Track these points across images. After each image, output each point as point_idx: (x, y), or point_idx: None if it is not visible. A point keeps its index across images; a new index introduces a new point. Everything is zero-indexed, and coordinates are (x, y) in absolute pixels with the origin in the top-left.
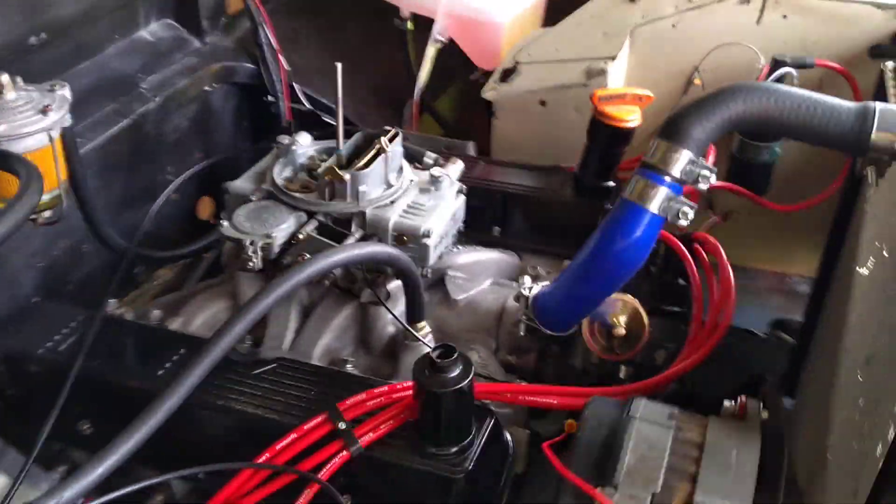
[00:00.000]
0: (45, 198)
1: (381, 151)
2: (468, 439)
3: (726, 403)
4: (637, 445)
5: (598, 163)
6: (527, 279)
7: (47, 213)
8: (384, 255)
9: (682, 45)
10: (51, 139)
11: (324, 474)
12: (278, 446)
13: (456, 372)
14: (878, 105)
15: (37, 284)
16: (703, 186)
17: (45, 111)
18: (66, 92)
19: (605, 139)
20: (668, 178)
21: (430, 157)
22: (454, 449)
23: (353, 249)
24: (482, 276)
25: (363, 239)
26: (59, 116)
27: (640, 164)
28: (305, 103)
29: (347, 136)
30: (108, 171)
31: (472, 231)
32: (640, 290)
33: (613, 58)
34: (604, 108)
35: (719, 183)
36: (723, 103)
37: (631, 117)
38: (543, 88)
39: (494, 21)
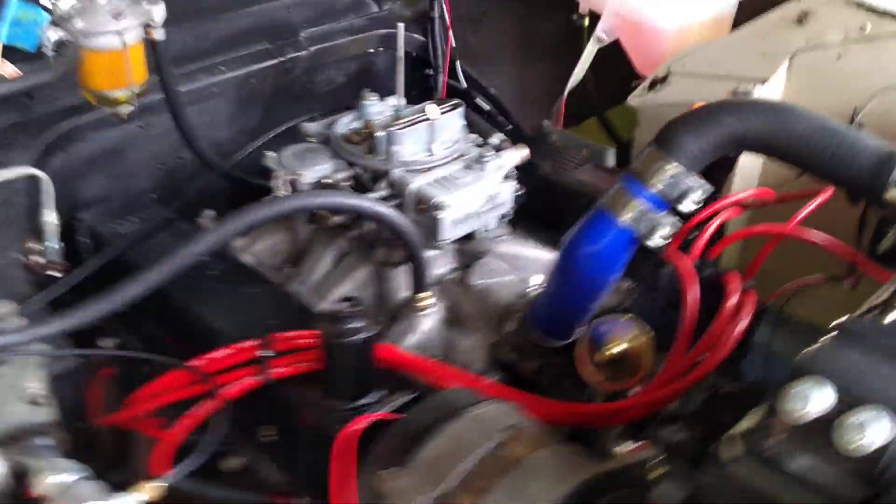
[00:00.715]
0: (119, 94)
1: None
2: (365, 402)
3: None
4: (447, 441)
5: None
6: (540, 277)
7: (123, 108)
8: (371, 210)
9: (846, 80)
10: (123, 43)
11: (228, 391)
12: (211, 356)
13: (352, 326)
14: None
15: (154, 185)
16: (684, 207)
17: (118, 16)
18: (155, 8)
19: None
20: (646, 190)
21: (497, 137)
22: (349, 406)
23: (343, 196)
24: (524, 271)
25: (388, 199)
26: (132, 24)
27: (626, 168)
28: (462, 82)
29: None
30: (244, 103)
31: (544, 229)
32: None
33: (764, 81)
34: None
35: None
36: (726, 115)
37: None
38: (686, 102)
39: (659, 27)
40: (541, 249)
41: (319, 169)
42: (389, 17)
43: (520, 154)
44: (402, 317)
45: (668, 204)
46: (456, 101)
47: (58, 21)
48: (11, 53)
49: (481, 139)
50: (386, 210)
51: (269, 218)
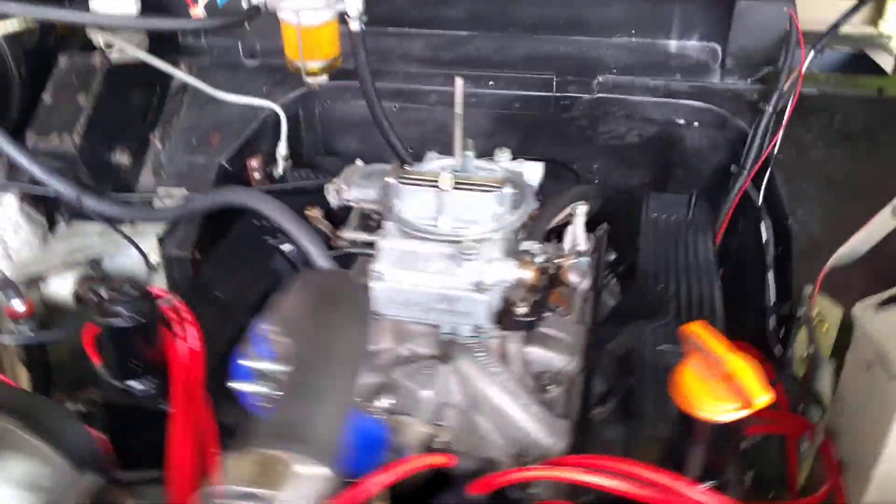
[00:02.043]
0: (307, 64)
1: None
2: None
3: None
4: None
5: None
6: None
7: (312, 79)
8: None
9: None
10: (299, 21)
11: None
12: None
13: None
14: None
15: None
16: None
17: None
18: (350, 1)
19: None
20: None
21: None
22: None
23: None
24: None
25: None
26: (315, 5)
27: None
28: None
29: None
30: (499, 122)
31: None
32: None
33: None
34: None
35: None
36: None
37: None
38: None
39: None
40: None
41: (361, 192)
42: (724, 93)
43: (518, 274)
44: None
45: None
46: (503, 179)
47: None
48: None
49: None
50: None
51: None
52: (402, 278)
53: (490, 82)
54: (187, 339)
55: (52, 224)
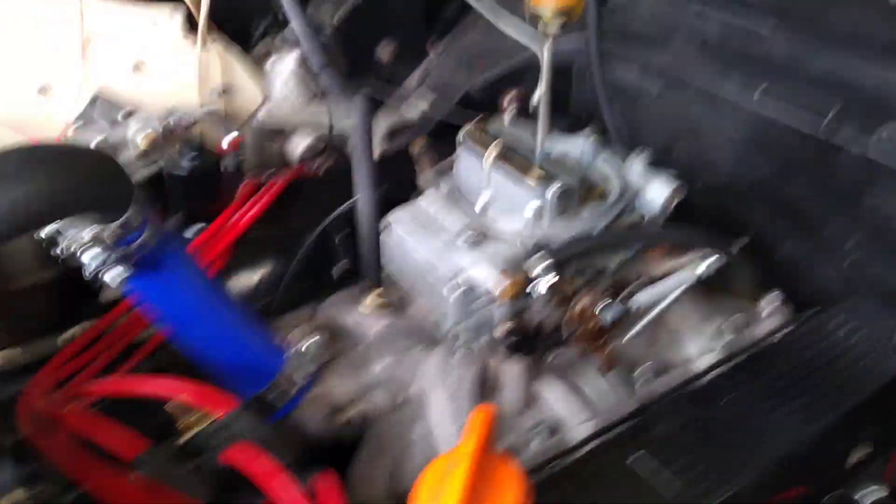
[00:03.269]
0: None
1: None
2: None
3: None
4: None
5: None
6: None
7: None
8: None
9: None
10: None
11: None
12: None
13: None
14: None
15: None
16: None
17: None
18: None
19: None
20: None
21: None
22: None
23: None
24: None
25: None
26: None
27: None
28: None
29: None
30: (747, 146)
31: None
32: None
33: None
34: None
35: None
36: None
37: None
38: None
39: None
40: None
41: None
42: None
43: (491, 282)
44: None
45: None
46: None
47: None
48: None
49: None
50: None
51: None
52: (406, 236)
53: (755, 96)
54: None
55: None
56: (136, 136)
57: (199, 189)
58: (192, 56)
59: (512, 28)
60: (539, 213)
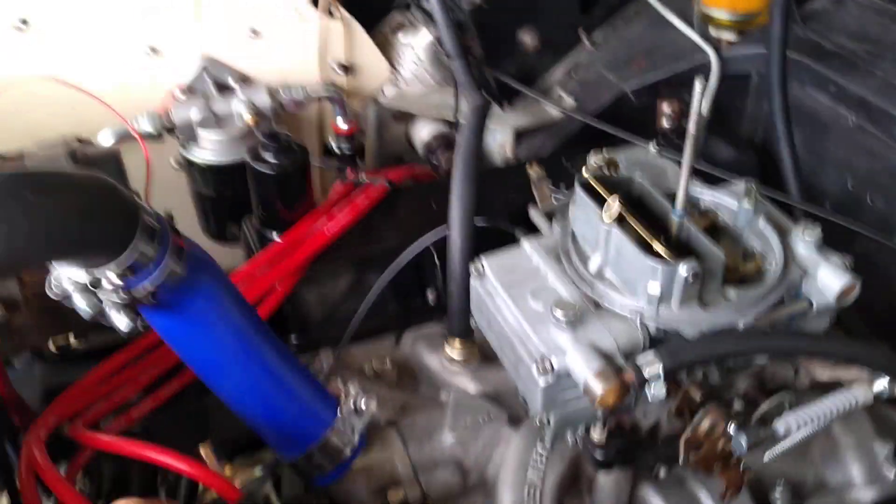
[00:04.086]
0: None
1: None
2: None
3: None
4: None
5: None
6: None
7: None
8: None
9: None
10: None
11: None
12: None
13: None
14: None
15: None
16: None
17: None
18: None
19: None
20: None
21: None
22: None
23: None
24: None
25: None
26: None
27: None
28: None
29: None
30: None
31: None
32: None
33: None
34: None
35: None
36: None
37: None
38: None
39: None
40: None
41: None
42: None
43: (588, 379)
44: None
45: None
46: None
47: None
48: None
49: None
50: None
51: None
52: (500, 289)
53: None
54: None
55: None
56: (242, 109)
57: (282, 191)
58: (314, 25)
59: (686, 26)
60: (667, 293)
